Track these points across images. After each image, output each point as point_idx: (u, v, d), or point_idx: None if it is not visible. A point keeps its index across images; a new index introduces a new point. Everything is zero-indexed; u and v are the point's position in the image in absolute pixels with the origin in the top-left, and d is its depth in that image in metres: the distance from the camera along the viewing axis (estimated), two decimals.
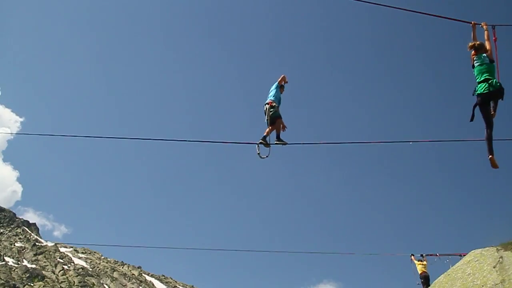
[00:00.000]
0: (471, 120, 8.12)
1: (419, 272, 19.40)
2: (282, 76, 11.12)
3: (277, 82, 11.03)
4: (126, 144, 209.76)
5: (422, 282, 19.16)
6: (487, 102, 7.87)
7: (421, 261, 19.68)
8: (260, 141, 10.29)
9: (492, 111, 7.86)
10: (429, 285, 18.91)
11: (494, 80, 7.83)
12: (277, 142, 10.39)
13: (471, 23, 8.05)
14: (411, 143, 10.80)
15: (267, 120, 10.52)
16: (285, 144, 10.36)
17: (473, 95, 8.04)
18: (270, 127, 10.46)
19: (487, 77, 7.87)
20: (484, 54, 8.00)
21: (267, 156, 10.30)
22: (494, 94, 7.80)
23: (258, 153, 10.22)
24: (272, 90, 10.88)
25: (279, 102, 10.84)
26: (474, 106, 8.05)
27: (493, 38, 8.00)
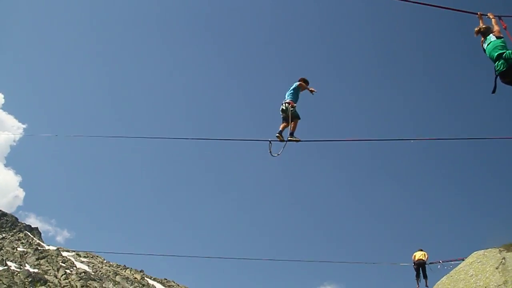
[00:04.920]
0: (493, 91, 7.71)
1: (416, 258, 19.13)
2: (303, 84, 11.32)
3: (297, 84, 11.24)
4: (129, 149, 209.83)
5: (415, 268, 18.98)
6: (510, 75, 7.44)
7: (422, 250, 19.47)
8: (277, 135, 10.54)
9: None
10: (423, 274, 18.86)
11: (507, 51, 7.42)
12: (291, 139, 10.54)
13: (477, 14, 8.05)
14: (412, 141, 10.77)
15: (285, 117, 10.80)
16: (299, 141, 10.56)
17: (495, 76, 7.58)
18: (285, 123, 10.75)
19: (499, 52, 7.49)
20: (491, 35, 7.79)
21: (278, 154, 10.41)
22: None
23: (270, 151, 10.37)
24: (292, 90, 11.14)
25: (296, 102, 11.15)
26: (496, 78, 7.62)
27: (503, 26, 7.88)
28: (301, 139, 10.59)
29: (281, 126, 10.78)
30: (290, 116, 10.62)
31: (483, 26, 7.93)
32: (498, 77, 7.54)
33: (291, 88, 11.16)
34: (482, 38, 7.96)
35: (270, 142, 10.37)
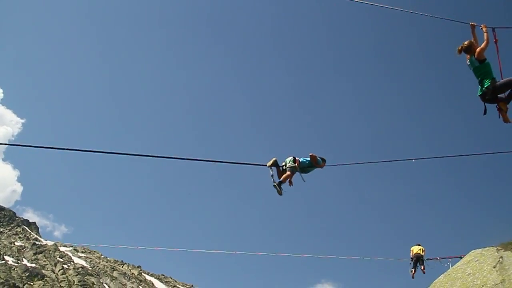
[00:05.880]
0: (484, 113, 8.17)
1: (414, 252, 19.61)
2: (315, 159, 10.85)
3: (311, 160, 10.77)
4: (129, 143, 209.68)
5: (413, 261, 19.40)
6: (492, 99, 7.94)
7: (419, 245, 19.97)
8: (274, 185, 10.08)
9: (504, 103, 7.90)
10: (421, 262, 19.21)
11: (485, 81, 7.89)
12: (276, 186, 10.07)
13: (470, 24, 8.02)
14: (413, 160, 10.70)
15: (284, 168, 10.41)
16: (280, 193, 10.08)
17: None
18: (283, 175, 10.31)
19: (480, 79, 7.96)
20: (473, 57, 7.98)
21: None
22: (486, 94, 7.88)
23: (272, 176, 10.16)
24: (307, 162, 10.72)
25: (301, 168, 10.63)
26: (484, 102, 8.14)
27: (494, 40, 7.97)
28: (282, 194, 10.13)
29: (283, 176, 10.29)
30: (287, 168, 10.33)
31: (465, 45, 8.05)
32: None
33: (306, 160, 10.70)
34: (468, 55, 8.10)
35: (273, 181, 10.07)
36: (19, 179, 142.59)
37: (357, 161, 10.94)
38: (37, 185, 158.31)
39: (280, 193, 9.97)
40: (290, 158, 10.50)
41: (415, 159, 10.71)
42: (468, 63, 8.10)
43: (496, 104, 8.03)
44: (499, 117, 8.05)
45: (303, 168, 10.59)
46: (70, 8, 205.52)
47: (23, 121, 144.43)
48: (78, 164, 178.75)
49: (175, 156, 8.94)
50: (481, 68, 7.93)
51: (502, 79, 7.90)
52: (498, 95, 7.90)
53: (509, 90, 7.86)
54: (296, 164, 10.34)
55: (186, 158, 9.08)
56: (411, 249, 19.96)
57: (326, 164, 10.83)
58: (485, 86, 7.86)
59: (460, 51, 8.12)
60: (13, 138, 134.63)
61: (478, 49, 7.90)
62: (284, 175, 10.20)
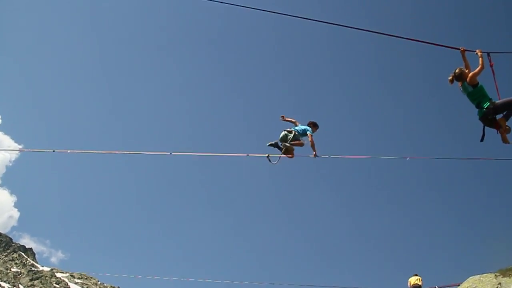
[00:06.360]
0: (482, 140, 8.14)
1: (412, 283, 19.48)
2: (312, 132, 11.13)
3: (308, 128, 11.08)
4: (122, 172, 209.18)
5: None
6: (490, 122, 7.98)
7: (417, 275, 19.85)
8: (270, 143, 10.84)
9: (503, 119, 7.92)
10: None
11: (483, 103, 7.87)
12: (288, 146, 10.73)
13: (460, 49, 7.79)
14: (408, 158, 10.79)
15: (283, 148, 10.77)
16: (292, 157, 10.82)
17: (483, 125, 8.13)
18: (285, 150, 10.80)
19: (477, 102, 7.95)
20: (466, 83, 7.94)
21: (276, 163, 10.69)
22: (487, 114, 7.88)
23: (269, 160, 10.67)
24: (300, 130, 11.03)
25: (299, 132, 11.03)
26: (483, 127, 8.15)
27: (490, 64, 7.83)
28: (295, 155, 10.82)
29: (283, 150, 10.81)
30: (293, 139, 10.72)
31: (456, 72, 8.00)
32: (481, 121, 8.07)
33: (301, 127, 11.07)
34: (459, 83, 8.06)
35: (267, 157, 10.61)
36: (16, 205, 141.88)
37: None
38: (34, 211, 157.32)
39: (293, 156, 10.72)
40: (284, 132, 10.87)
41: (409, 157, 10.73)
42: (461, 89, 8.07)
43: (495, 129, 8.03)
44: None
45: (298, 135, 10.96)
46: (66, 27, 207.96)
47: (20, 146, 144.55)
48: (75, 191, 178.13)
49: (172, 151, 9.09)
50: (475, 93, 7.91)
51: (498, 95, 7.91)
52: (497, 117, 7.89)
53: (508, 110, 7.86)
54: (293, 134, 10.75)
55: (188, 153, 9.30)
56: (409, 280, 19.79)
57: (316, 131, 11.11)
58: (485, 107, 7.81)
59: (452, 81, 8.10)
60: (10, 164, 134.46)
61: (470, 75, 7.84)
62: (297, 142, 10.70)
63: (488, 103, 7.82)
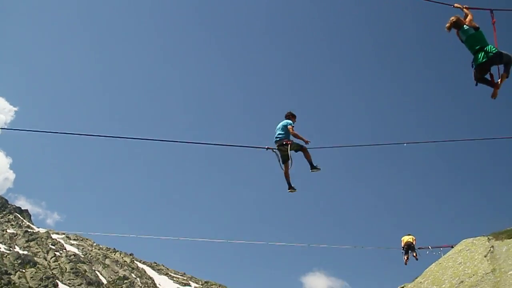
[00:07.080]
0: (476, 84, 7.90)
1: (405, 241, 19.93)
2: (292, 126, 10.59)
3: (290, 123, 10.58)
4: (121, 131, 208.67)
5: (405, 249, 19.70)
6: (487, 70, 7.72)
7: (410, 234, 20.27)
8: (289, 191, 10.53)
9: (505, 74, 7.62)
10: (412, 249, 19.49)
11: (489, 46, 7.63)
12: (314, 170, 10.34)
13: (453, 5, 7.91)
14: (405, 144, 10.70)
15: (283, 155, 10.35)
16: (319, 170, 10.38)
17: (472, 67, 7.83)
18: (285, 165, 10.38)
19: (480, 46, 7.66)
20: (466, 26, 7.78)
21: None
22: (494, 59, 7.59)
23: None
24: (282, 130, 10.51)
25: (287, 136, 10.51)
26: (476, 76, 7.85)
27: (492, 20, 7.87)
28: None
29: (284, 173, 10.42)
30: (296, 149, 10.29)
31: (453, 20, 7.88)
32: (476, 70, 7.75)
33: (281, 125, 10.51)
34: (456, 30, 7.91)
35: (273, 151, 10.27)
36: (12, 167, 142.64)
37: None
38: (30, 172, 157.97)
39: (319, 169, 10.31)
40: (280, 149, 10.35)
41: (406, 143, 10.69)
42: (460, 35, 7.88)
43: (486, 82, 7.82)
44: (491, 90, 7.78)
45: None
46: (67, 7, 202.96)
47: (15, 109, 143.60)
48: (70, 152, 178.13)
49: (171, 140, 9.01)
50: (477, 35, 7.71)
51: (496, 43, 7.72)
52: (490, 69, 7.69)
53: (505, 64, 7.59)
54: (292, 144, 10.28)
55: (182, 141, 9.32)
56: (402, 239, 20.27)
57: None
58: (493, 51, 7.54)
59: (449, 28, 7.93)
60: (5, 126, 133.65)
61: (468, 19, 7.76)
62: (307, 155, 10.29)
63: (495, 49, 7.57)
